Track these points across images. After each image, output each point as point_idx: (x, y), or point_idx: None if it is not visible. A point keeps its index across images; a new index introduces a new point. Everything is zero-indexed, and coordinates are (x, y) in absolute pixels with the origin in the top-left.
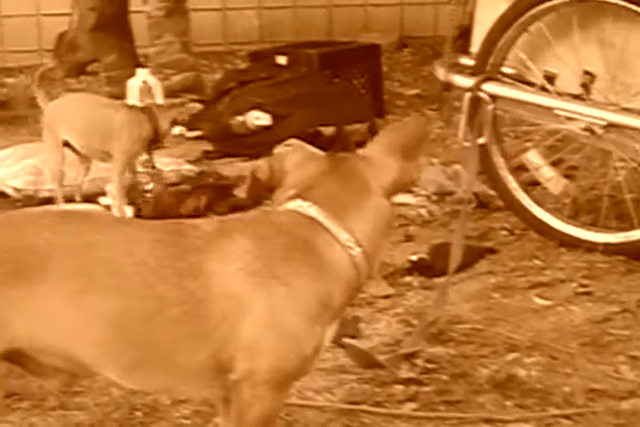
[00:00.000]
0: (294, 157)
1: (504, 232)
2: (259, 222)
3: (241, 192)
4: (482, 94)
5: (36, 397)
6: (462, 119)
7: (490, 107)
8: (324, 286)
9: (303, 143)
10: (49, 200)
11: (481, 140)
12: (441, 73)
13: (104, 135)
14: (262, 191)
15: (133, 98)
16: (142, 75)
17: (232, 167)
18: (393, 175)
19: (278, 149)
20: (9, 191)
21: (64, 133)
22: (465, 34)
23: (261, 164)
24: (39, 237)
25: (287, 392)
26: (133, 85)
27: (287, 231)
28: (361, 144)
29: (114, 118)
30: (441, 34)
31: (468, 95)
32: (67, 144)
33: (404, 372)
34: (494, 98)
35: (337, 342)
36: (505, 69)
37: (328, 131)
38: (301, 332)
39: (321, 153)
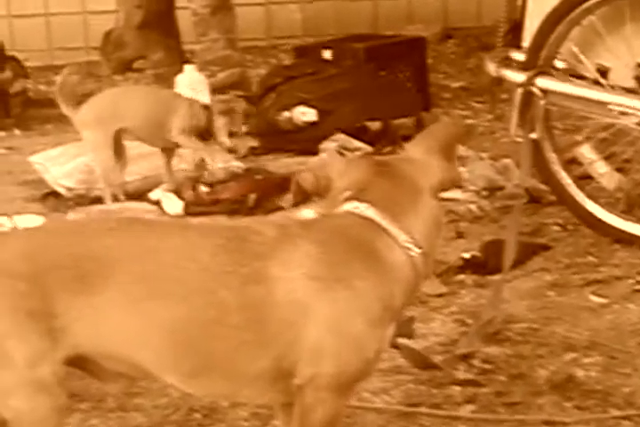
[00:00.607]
0: (338, 164)
1: (556, 228)
2: (319, 226)
3: (286, 202)
4: (534, 89)
5: (95, 398)
6: (514, 114)
7: (542, 102)
8: (386, 289)
9: (350, 138)
10: (100, 199)
11: (533, 136)
12: (492, 68)
13: (168, 119)
14: (307, 200)
15: (182, 93)
16: (189, 71)
17: (279, 163)
18: (439, 175)
19: (324, 145)
20: (61, 191)
21: (119, 124)
22: (515, 28)
23: (305, 173)
24: (102, 244)
25: (350, 396)
26: (181, 82)
27: (348, 234)
28: (408, 138)
29: (180, 102)
30: (485, 24)
31: (519, 90)
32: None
33: (461, 373)
34: (546, 92)
35: (392, 343)
36: (557, 63)
37: (374, 125)
38: (364, 335)
39: (360, 157)
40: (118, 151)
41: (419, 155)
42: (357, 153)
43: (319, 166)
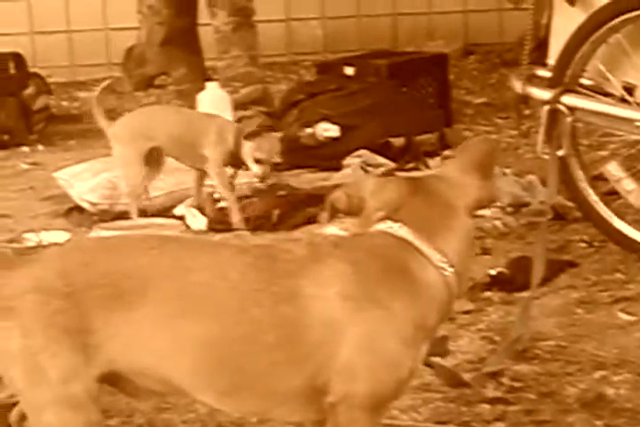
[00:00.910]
0: (371, 184)
1: (583, 244)
2: (351, 245)
3: (322, 220)
4: (560, 107)
5: (125, 414)
6: (540, 132)
7: (568, 119)
8: (419, 308)
9: (373, 154)
10: (124, 214)
11: (560, 153)
12: (518, 85)
13: (199, 141)
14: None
15: (205, 110)
16: (212, 88)
17: (302, 179)
18: (475, 194)
19: (347, 161)
20: (85, 206)
21: (152, 143)
22: (541, 45)
23: (339, 194)
24: (136, 262)
25: (383, 414)
26: (204, 99)
27: (381, 253)
28: (431, 154)
29: (211, 125)
30: (506, 40)
31: (546, 108)
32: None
33: (490, 391)
34: (572, 110)
35: (425, 362)
36: (583, 81)
37: (398, 141)
38: (398, 355)
39: (394, 176)
40: (154, 167)
41: (455, 173)
42: (381, 169)
43: (352, 186)
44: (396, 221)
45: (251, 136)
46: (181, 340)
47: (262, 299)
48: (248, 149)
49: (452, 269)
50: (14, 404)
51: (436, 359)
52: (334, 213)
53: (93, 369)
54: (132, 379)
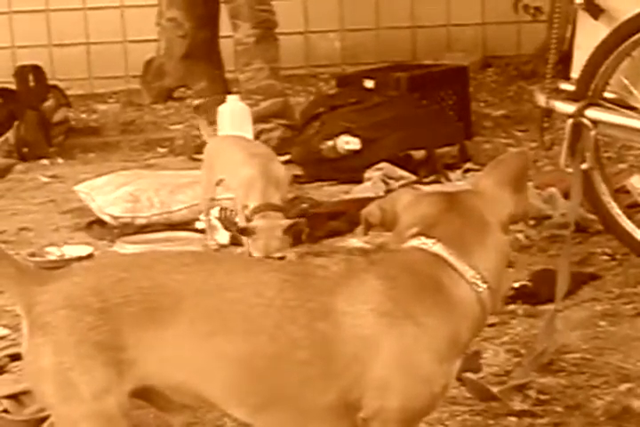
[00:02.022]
0: (405, 198)
1: (605, 257)
2: (385, 261)
3: (358, 233)
4: (584, 120)
5: None
6: (564, 145)
7: (592, 132)
8: (453, 325)
9: (394, 167)
10: (146, 227)
11: (583, 166)
12: (541, 99)
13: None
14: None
15: (225, 124)
16: (232, 101)
17: (322, 192)
18: (509, 209)
19: (368, 174)
20: (107, 219)
21: (220, 173)
22: (564, 59)
23: (373, 207)
24: (170, 279)
25: None
26: (224, 111)
27: (415, 270)
28: (452, 167)
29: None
30: (524, 53)
31: (570, 121)
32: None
33: (517, 403)
34: (596, 123)
35: (457, 377)
36: (606, 94)
37: (418, 154)
38: (432, 371)
39: (428, 191)
40: None
41: (489, 187)
42: (402, 182)
43: (387, 200)
44: (430, 237)
45: None
46: (216, 356)
47: (297, 315)
48: None
49: (485, 286)
50: (44, 419)
51: (467, 374)
52: (368, 227)
53: (126, 385)
54: (164, 394)
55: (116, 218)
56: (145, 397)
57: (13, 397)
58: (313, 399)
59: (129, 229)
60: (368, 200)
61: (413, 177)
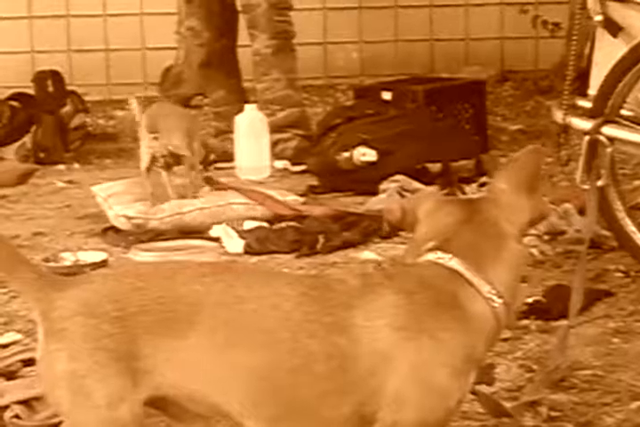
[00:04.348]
0: (427, 205)
1: (619, 274)
2: (403, 276)
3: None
4: (601, 137)
5: None
6: (580, 162)
7: (608, 149)
8: (469, 340)
9: (410, 179)
10: (158, 232)
11: (599, 183)
12: (559, 115)
13: None
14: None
15: (242, 133)
16: (250, 110)
17: (338, 202)
18: (527, 216)
19: (384, 185)
20: (122, 221)
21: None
22: (582, 76)
23: (394, 206)
24: (189, 289)
25: None
26: (241, 121)
27: (431, 285)
28: (468, 180)
29: None
30: (542, 68)
31: (586, 138)
32: None
33: (529, 420)
34: (613, 140)
35: (470, 390)
36: (623, 112)
37: (434, 167)
38: (447, 385)
39: (449, 199)
40: None
41: (506, 194)
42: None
43: (410, 201)
44: (446, 251)
45: None
46: (232, 368)
47: (314, 329)
48: None
49: (500, 301)
50: (55, 425)
51: (481, 388)
52: (389, 225)
53: (140, 394)
54: (178, 403)
55: (129, 218)
56: (159, 406)
57: (25, 402)
58: (328, 412)
59: (143, 235)
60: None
61: (429, 190)
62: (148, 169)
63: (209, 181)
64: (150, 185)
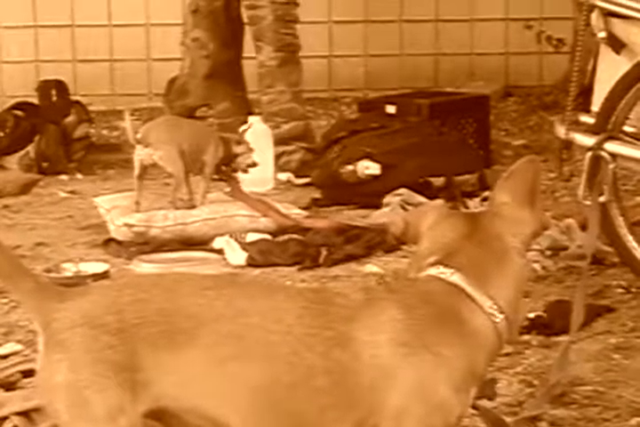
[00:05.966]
0: (430, 219)
1: (620, 290)
2: (405, 290)
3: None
4: (603, 153)
5: None
6: (582, 178)
7: (611, 166)
8: (470, 355)
9: (413, 193)
10: (159, 241)
11: (601, 199)
12: (561, 131)
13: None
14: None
15: None
16: (254, 122)
17: (341, 215)
18: (529, 228)
19: (387, 199)
20: (123, 229)
21: None
22: (585, 92)
23: (397, 219)
24: (191, 302)
25: None
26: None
27: (433, 300)
28: (470, 195)
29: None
30: (546, 83)
31: (589, 154)
32: None
33: None
34: (615, 156)
35: (472, 405)
36: (626, 128)
37: (438, 181)
38: (448, 400)
39: (452, 212)
40: None
41: (508, 209)
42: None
43: (414, 214)
44: (448, 265)
45: None
46: (233, 381)
47: (316, 343)
48: None
49: (502, 316)
50: None
51: (483, 402)
52: (395, 239)
53: (140, 406)
54: (178, 416)
55: (130, 226)
56: (158, 418)
57: (24, 413)
58: None
59: (145, 246)
60: None
61: (434, 203)
62: (139, 177)
63: (230, 181)
64: (137, 194)
